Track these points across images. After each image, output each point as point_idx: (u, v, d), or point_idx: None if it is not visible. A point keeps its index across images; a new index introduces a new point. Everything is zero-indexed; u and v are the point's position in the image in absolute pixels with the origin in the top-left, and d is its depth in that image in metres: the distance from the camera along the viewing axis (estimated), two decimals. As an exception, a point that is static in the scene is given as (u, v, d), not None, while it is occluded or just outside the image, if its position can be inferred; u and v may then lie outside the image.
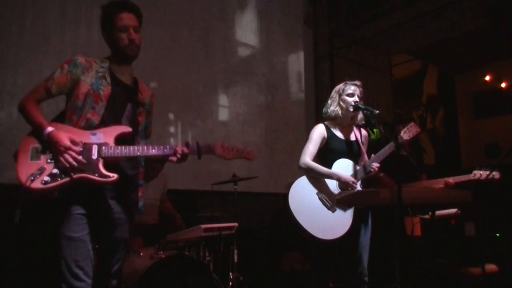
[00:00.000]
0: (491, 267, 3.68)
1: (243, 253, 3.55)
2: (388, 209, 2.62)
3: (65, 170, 1.75)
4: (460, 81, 8.17)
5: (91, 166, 1.80)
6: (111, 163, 1.87)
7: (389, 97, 6.48)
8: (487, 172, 2.81)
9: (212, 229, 3.03)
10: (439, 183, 3.18)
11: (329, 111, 2.71)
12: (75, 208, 1.82)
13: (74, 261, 1.77)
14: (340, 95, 2.69)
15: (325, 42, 5.75)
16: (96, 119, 1.90)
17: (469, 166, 3.03)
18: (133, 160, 2.03)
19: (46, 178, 1.73)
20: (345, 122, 2.71)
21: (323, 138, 2.67)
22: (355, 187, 2.52)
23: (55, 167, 1.76)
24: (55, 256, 1.81)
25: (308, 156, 2.61)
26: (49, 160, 1.78)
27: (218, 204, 3.95)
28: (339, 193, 2.55)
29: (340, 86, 2.73)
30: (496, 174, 2.82)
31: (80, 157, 1.76)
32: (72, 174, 1.75)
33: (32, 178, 1.70)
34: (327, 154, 2.66)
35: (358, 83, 2.71)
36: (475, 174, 2.89)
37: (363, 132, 2.82)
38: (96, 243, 1.89)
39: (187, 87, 4.39)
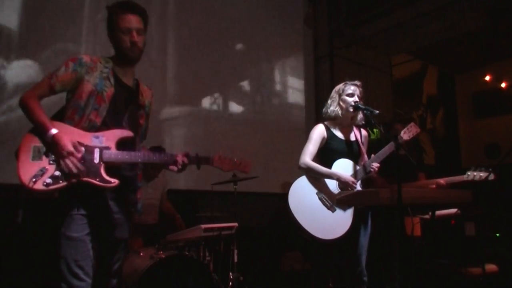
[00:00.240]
0: (491, 267, 3.68)
1: (243, 253, 3.55)
2: (388, 209, 2.62)
3: (66, 174, 1.75)
4: (460, 81, 8.17)
5: (92, 170, 1.81)
6: (112, 166, 1.88)
7: (389, 97, 6.48)
8: (481, 174, 2.79)
9: (212, 229, 3.03)
10: (431, 184, 3.19)
11: (329, 111, 2.71)
12: (75, 208, 1.82)
13: (74, 260, 1.78)
14: (340, 95, 2.69)
15: (325, 42, 5.75)
16: (98, 121, 1.90)
17: (469, 166, 3.02)
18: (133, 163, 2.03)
19: (48, 180, 1.72)
20: (345, 122, 2.71)
21: (323, 138, 2.67)
22: (355, 187, 2.52)
23: (57, 169, 1.76)
24: (55, 256, 1.81)
25: (308, 156, 2.61)
26: (51, 162, 1.77)
27: (218, 204, 3.96)
28: (339, 193, 2.55)
29: (340, 86, 2.73)
30: (490, 177, 2.81)
31: (80, 165, 1.76)
32: (79, 177, 1.76)
33: (34, 179, 1.70)
34: (327, 154, 2.66)
35: (358, 83, 2.71)
36: (468, 175, 2.87)
37: (363, 132, 2.82)
38: (96, 243, 1.89)
39: (187, 86, 4.39)
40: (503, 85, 7.32)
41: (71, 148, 1.75)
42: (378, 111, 2.46)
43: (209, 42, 4.60)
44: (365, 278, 2.55)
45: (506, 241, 4.30)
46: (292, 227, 2.44)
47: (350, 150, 2.68)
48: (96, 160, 1.83)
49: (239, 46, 4.95)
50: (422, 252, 3.55)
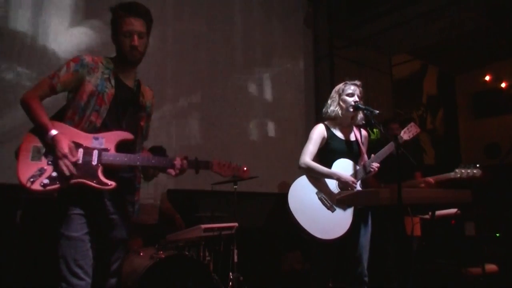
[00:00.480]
0: (491, 267, 3.68)
1: (243, 253, 3.55)
2: (387, 209, 2.62)
3: (61, 175, 1.75)
4: (460, 81, 8.17)
5: (90, 171, 1.81)
6: (110, 168, 1.88)
7: (389, 97, 6.48)
8: (468, 171, 2.80)
9: (212, 229, 3.03)
10: (420, 183, 3.19)
11: (329, 111, 2.71)
12: (74, 208, 1.82)
13: (73, 260, 1.78)
14: (340, 95, 2.69)
15: (325, 42, 5.75)
16: (98, 122, 1.90)
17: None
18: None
19: (46, 181, 1.73)
20: (345, 122, 2.71)
21: (323, 138, 2.67)
22: (355, 187, 2.52)
23: (55, 170, 1.76)
24: (54, 256, 1.81)
25: (308, 156, 2.61)
26: (49, 162, 1.77)
27: (218, 204, 3.95)
28: (338, 193, 2.55)
29: (340, 86, 2.73)
30: (477, 172, 2.81)
31: (72, 167, 1.75)
32: (70, 179, 1.76)
33: (32, 179, 1.70)
34: (327, 154, 2.66)
35: (358, 83, 2.71)
36: (456, 172, 2.88)
37: (363, 132, 2.82)
38: (95, 243, 1.89)
39: (186, 86, 4.39)
40: (503, 85, 7.32)
41: (66, 151, 1.75)
42: (378, 111, 2.46)
43: (209, 42, 4.60)
44: (366, 278, 2.54)
45: (506, 241, 4.30)
46: (292, 227, 2.43)
47: (350, 150, 2.68)
48: (94, 162, 1.83)
49: (239, 46, 4.94)
50: (422, 252, 3.55)
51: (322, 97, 4.92)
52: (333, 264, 2.61)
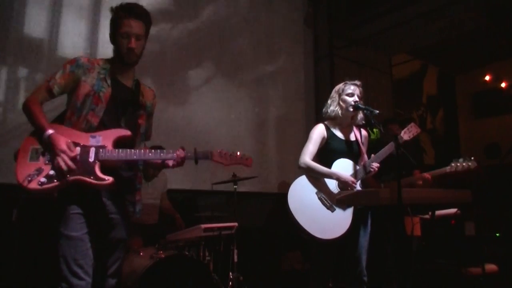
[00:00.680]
0: (491, 267, 3.68)
1: (243, 253, 3.55)
2: (387, 209, 2.62)
3: (59, 173, 1.76)
4: (460, 81, 8.17)
5: (87, 168, 1.81)
6: (109, 166, 1.88)
7: (389, 97, 6.48)
8: (464, 164, 2.80)
9: (212, 229, 3.03)
10: (417, 180, 3.19)
11: (329, 111, 2.71)
12: (73, 207, 1.83)
13: (73, 259, 1.78)
14: (340, 95, 2.69)
15: (325, 42, 5.75)
16: (95, 121, 1.91)
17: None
18: (130, 162, 2.03)
19: (43, 180, 1.75)
20: (345, 122, 2.71)
21: (323, 138, 2.67)
22: (355, 187, 2.52)
23: (52, 168, 1.78)
24: (54, 255, 1.81)
25: (307, 155, 2.61)
26: (47, 162, 1.79)
27: (218, 204, 3.96)
28: (338, 193, 2.55)
29: (340, 86, 2.73)
30: (472, 164, 2.81)
31: (71, 162, 1.76)
32: (68, 176, 1.77)
33: (30, 179, 1.72)
34: (327, 154, 2.66)
35: (358, 82, 2.71)
36: (451, 166, 2.89)
37: (363, 132, 2.82)
38: (94, 242, 1.89)
39: (186, 86, 4.39)
40: (503, 85, 7.32)
41: (63, 147, 1.77)
42: (378, 111, 2.46)
43: (209, 42, 4.60)
44: (365, 278, 2.54)
45: (506, 241, 4.30)
46: (292, 227, 2.44)
47: (350, 150, 2.68)
48: (91, 159, 1.84)
49: (239, 46, 4.94)
50: (422, 252, 3.55)
51: (322, 97, 4.92)
52: (333, 264, 2.60)
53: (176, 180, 3.88)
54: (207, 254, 3.20)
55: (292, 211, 2.44)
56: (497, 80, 7.40)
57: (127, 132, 1.96)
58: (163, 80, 4.16)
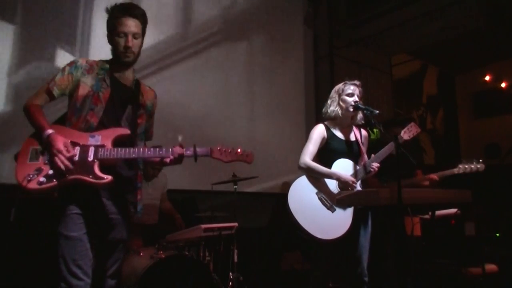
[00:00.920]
0: (491, 267, 3.68)
1: (243, 253, 3.55)
2: (387, 209, 2.62)
3: (57, 172, 1.77)
4: (460, 81, 8.17)
5: (86, 168, 1.82)
6: (108, 165, 1.88)
7: (389, 97, 6.48)
8: (472, 166, 2.80)
9: (212, 229, 3.03)
10: (424, 181, 3.18)
11: (329, 111, 2.71)
12: (72, 208, 1.83)
13: (72, 260, 1.78)
14: (339, 95, 2.69)
15: (325, 42, 5.75)
16: (94, 121, 1.92)
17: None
18: (130, 161, 2.03)
19: (42, 179, 1.75)
20: (345, 122, 2.71)
21: (323, 138, 2.67)
22: (355, 187, 2.52)
23: (51, 168, 1.78)
24: (53, 255, 1.81)
25: (308, 156, 2.61)
26: (46, 162, 1.80)
27: (218, 204, 3.95)
28: (338, 193, 2.55)
29: (340, 86, 2.73)
30: (481, 167, 2.81)
31: (68, 162, 1.77)
32: (67, 175, 1.77)
33: (29, 178, 1.73)
34: (327, 154, 2.66)
35: (357, 82, 2.71)
36: (459, 168, 2.88)
37: (363, 132, 2.82)
38: (94, 243, 1.89)
39: (186, 86, 4.39)
40: (503, 85, 7.32)
41: (60, 147, 1.77)
42: (378, 111, 2.46)
43: (208, 42, 4.60)
44: (366, 279, 2.54)
45: (506, 241, 4.30)
46: (292, 227, 2.43)
47: (350, 150, 2.68)
48: (90, 158, 1.84)
49: (239, 46, 4.94)
50: (422, 252, 3.55)
51: (322, 97, 4.92)
52: (333, 264, 2.61)
53: (176, 180, 3.87)
54: (207, 254, 3.20)
55: (292, 211, 2.44)
56: (497, 80, 7.39)
57: (126, 131, 1.97)
58: (163, 80, 4.17)
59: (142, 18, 2.01)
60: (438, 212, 3.36)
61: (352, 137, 2.74)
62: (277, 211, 4.77)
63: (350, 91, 2.65)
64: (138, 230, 3.20)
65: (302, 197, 2.51)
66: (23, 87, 3.30)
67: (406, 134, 2.61)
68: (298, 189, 2.54)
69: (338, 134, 2.70)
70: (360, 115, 2.69)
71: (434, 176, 3.10)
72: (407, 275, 2.78)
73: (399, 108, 6.68)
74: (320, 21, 5.83)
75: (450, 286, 3.62)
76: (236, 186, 3.68)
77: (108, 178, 1.82)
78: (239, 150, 2.06)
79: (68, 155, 1.78)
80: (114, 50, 2.00)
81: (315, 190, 2.56)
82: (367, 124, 2.79)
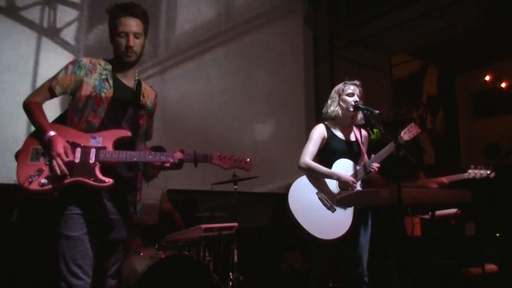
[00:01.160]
0: (491, 267, 3.68)
1: (243, 253, 3.54)
2: (387, 209, 2.62)
3: (54, 176, 1.76)
4: (460, 81, 8.18)
5: (87, 170, 1.82)
6: (109, 166, 1.88)
7: (389, 97, 6.48)
8: (482, 172, 2.79)
9: (212, 229, 3.02)
10: (432, 183, 3.18)
11: (329, 111, 2.71)
12: (72, 208, 1.83)
13: (72, 259, 1.78)
14: (339, 95, 2.69)
15: (325, 42, 5.75)
16: (96, 122, 1.91)
17: (469, 166, 3.03)
18: (130, 163, 2.03)
19: (44, 181, 1.75)
20: (345, 122, 2.71)
21: (323, 138, 2.67)
22: (355, 187, 2.52)
23: (50, 170, 1.77)
24: (53, 255, 1.81)
25: (308, 156, 2.61)
26: (47, 162, 1.79)
27: (218, 204, 3.95)
28: (339, 193, 2.55)
29: (340, 86, 2.73)
30: (491, 174, 2.81)
31: (64, 167, 1.75)
32: (64, 179, 1.77)
33: (30, 179, 1.73)
34: (327, 154, 2.66)
35: (357, 82, 2.71)
36: (469, 173, 2.88)
37: (363, 132, 2.82)
38: (94, 243, 1.89)
39: (186, 86, 4.39)
40: (503, 85, 7.32)
41: (60, 150, 1.76)
42: (378, 111, 2.46)
43: (208, 42, 4.60)
44: (366, 279, 2.54)
45: (506, 241, 4.29)
46: (292, 227, 2.43)
47: (350, 150, 2.68)
48: (92, 160, 1.84)
49: (239, 46, 4.94)
50: (422, 252, 3.55)
51: (322, 97, 4.92)
52: (333, 264, 2.61)
53: (176, 180, 3.87)
54: (207, 254, 3.20)
55: (293, 211, 2.44)
56: (497, 80, 7.40)
57: (127, 133, 1.96)
58: (163, 82, 4.16)
59: (143, 17, 2.00)
60: (438, 212, 3.35)
61: (352, 137, 2.74)
62: (277, 211, 4.77)
63: (350, 91, 2.65)
64: (138, 230, 3.21)
65: (302, 197, 2.51)
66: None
67: (406, 134, 2.60)
68: (298, 189, 2.54)
69: (338, 134, 2.70)
70: (360, 115, 2.69)
71: (444, 179, 3.09)
72: (407, 275, 2.78)
73: (399, 108, 6.68)
74: (320, 21, 5.83)
75: (450, 286, 3.62)
76: (236, 186, 3.68)
77: (109, 181, 1.82)
78: (238, 157, 2.10)
79: (66, 160, 1.76)
80: (116, 50, 1.99)
81: (315, 190, 2.56)
82: (367, 124, 2.79)
